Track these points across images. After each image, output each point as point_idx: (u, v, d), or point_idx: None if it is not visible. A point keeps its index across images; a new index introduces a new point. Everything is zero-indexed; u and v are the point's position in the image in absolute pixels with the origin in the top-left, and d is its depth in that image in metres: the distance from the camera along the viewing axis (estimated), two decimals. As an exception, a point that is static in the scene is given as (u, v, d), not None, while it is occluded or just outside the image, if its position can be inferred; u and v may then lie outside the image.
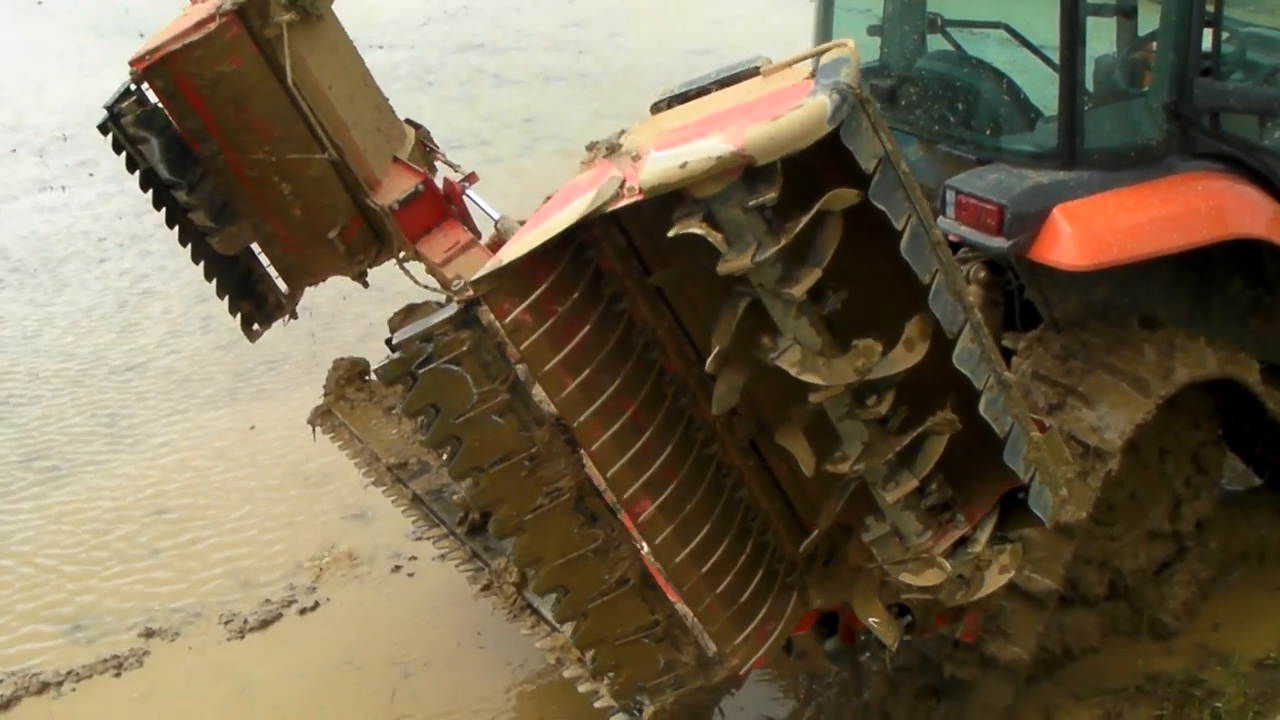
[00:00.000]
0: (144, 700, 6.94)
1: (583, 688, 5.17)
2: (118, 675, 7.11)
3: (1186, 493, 6.74)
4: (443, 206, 7.14)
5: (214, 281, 7.34)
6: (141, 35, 18.76)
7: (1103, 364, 6.17)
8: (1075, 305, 6.33)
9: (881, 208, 3.82)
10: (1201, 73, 6.09)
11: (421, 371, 4.17)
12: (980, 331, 4.23)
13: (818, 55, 4.11)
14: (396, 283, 7.57)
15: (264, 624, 7.42)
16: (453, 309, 4.14)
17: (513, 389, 4.28)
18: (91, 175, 15.00)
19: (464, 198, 7.22)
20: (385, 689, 6.87)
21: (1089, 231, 5.77)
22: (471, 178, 7.28)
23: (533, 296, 4.13)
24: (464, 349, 4.16)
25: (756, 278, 3.97)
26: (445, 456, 4.44)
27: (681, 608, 4.72)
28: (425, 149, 7.34)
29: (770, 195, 3.81)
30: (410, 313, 7.30)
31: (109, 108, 6.93)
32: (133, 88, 6.91)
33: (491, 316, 4.17)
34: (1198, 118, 6.17)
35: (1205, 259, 6.46)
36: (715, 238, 3.89)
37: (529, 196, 11.47)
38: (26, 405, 10.03)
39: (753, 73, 4.39)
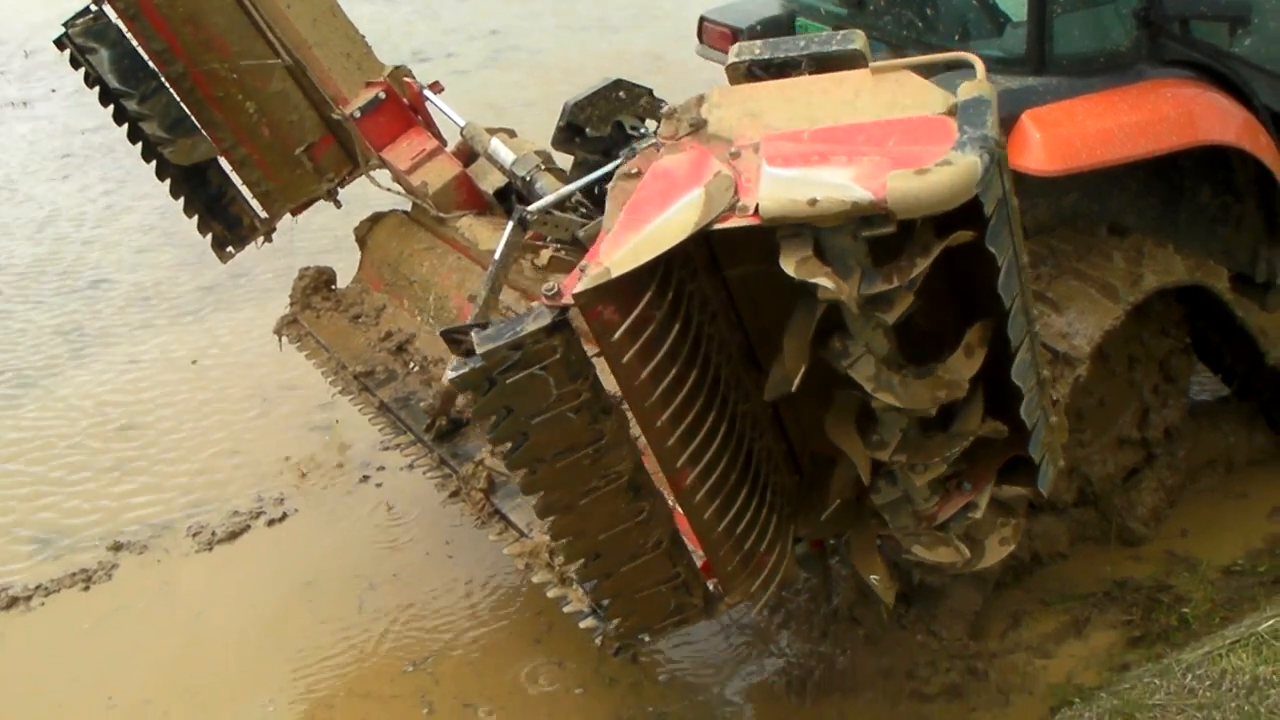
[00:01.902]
0: (113, 615, 6.93)
1: (551, 593, 5.17)
2: (86, 589, 7.11)
3: (1155, 400, 6.74)
4: (406, 115, 7.12)
5: (181, 200, 7.31)
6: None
7: (1071, 270, 6.16)
8: (1044, 212, 6.32)
9: (991, 250, 3.80)
10: (1172, -22, 6.07)
11: (508, 381, 4.03)
12: (1036, 341, 4.25)
13: (945, 66, 4.04)
14: (362, 194, 7.56)
15: (232, 536, 7.42)
16: (542, 315, 3.97)
17: (592, 386, 4.20)
18: (54, 91, 14.91)
19: (427, 105, 7.20)
20: (352, 600, 6.87)
21: (1058, 137, 5.73)
22: (435, 86, 7.24)
23: (622, 295, 3.98)
24: (555, 357, 4.04)
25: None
26: (501, 447, 4.28)
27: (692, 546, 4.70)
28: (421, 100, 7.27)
29: (888, 230, 3.73)
30: (377, 221, 7.29)
31: (66, 25, 6.99)
32: (93, 8, 6.96)
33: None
34: (1167, 24, 6.12)
35: (1174, 167, 6.44)
36: (826, 284, 3.81)
37: (495, 106, 11.48)
38: (-10, 322, 9.98)
39: (855, 59, 4.30)
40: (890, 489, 4.59)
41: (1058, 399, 4.57)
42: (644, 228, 3.89)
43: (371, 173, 7.31)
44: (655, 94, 6.51)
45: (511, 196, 6.79)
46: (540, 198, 6.15)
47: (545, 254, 6.30)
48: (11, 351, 9.54)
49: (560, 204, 6.09)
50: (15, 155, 13.45)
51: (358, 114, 7.01)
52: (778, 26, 7.24)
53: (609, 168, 6.01)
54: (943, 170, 3.59)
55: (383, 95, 7.04)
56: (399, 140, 7.04)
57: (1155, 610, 6.35)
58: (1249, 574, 6.56)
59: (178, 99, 7.23)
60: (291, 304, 7.41)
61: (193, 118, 7.26)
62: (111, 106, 7.21)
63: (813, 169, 3.78)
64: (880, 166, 3.68)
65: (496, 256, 5.87)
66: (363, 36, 7.23)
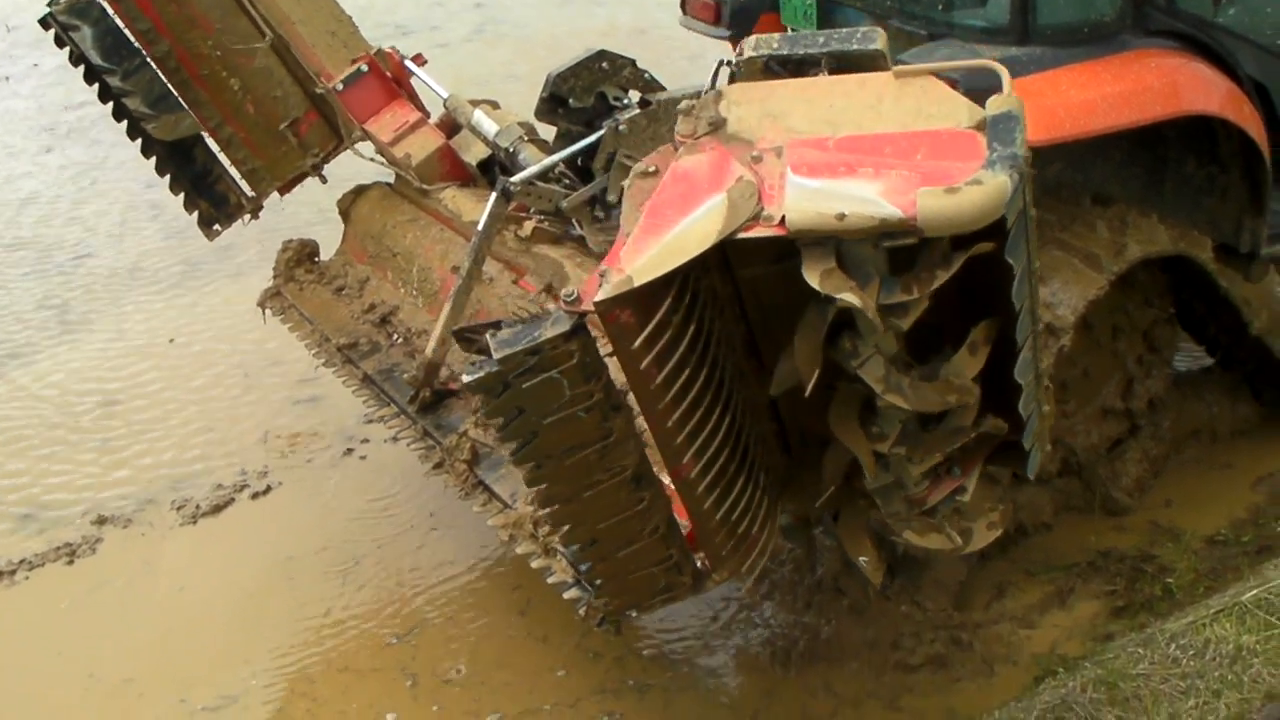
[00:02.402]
0: (97, 590, 6.93)
1: (535, 564, 5.18)
2: (70, 563, 7.11)
3: (1139, 371, 6.75)
4: (390, 88, 7.10)
5: (167, 177, 7.32)
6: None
7: (1055, 240, 6.15)
8: (1029, 183, 6.32)
9: (1009, 260, 3.80)
10: (1156, -52, 6.06)
11: (525, 385, 4.03)
12: (1038, 339, 4.26)
13: (966, 70, 4.02)
14: (344, 167, 7.54)
15: (216, 509, 7.41)
16: (561, 320, 3.97)
17: (605, 386, 4.19)
18: (36, 66, 14.88)
19: (410, 78, 7.20)
20: (335, 574, 6.88)
21: (1042, 107, 5.72)
22: (418, 59, 7.23)
23: (641, 302, 3.96)
24: (572, 361, 4.04)
25: None
26: (508, 445, 4.28)
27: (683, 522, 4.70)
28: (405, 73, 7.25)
29: (909, 241, 3.72)
30: (360, 193, 7.27)
31: (50, 4, 7.05)
32: None
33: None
34: (1152, -6, 6.15)
35: (1159, 137, 6.44)
36: (853, 300, 3.81)
37: (479, 79, 11.46)
38: (-28, 295, 9.96)
39: (875, 59, 4.28)
40: (883, 474, 4.59)
41: (1048, 383, 4.57)
42: (665, 234, 3.87)
43: (355, 145, 7.29)
44: (638, 65, 6.49)
45: (495, 168, 6.79)
46: (523, 169, 6.16)
47: (529, 225, 6.32)
48: (-5, 325, 9.52)
49: (543, 175, 6.11)
50: (-3, 129, 13.44)
51: (340, 87, 6.99)
52: (759, -3, 7.24)
53: (592, 139, 6.02)
54: (973, 190, 3.60)
55: (365, 68, 7.03)
56: (382, 113, 7.03)
57: (1139, 580, 6.36)
58: (1233, 544, 6.57)
59: (161, 77, 7.23)
60: (275, 277, 7.39)
61: (177, 95, 7.26)
62: (96, 85, 7.22)
63: (840, 181, 3.77)
64: (909, 182, 3.69)
65: (480, 228, 5.87)
66: (349, 16, 7.24)
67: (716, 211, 3.83)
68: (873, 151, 3.87)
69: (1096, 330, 6.46)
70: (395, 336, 6.66)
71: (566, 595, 4.99)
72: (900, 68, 4.10)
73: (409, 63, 7.22)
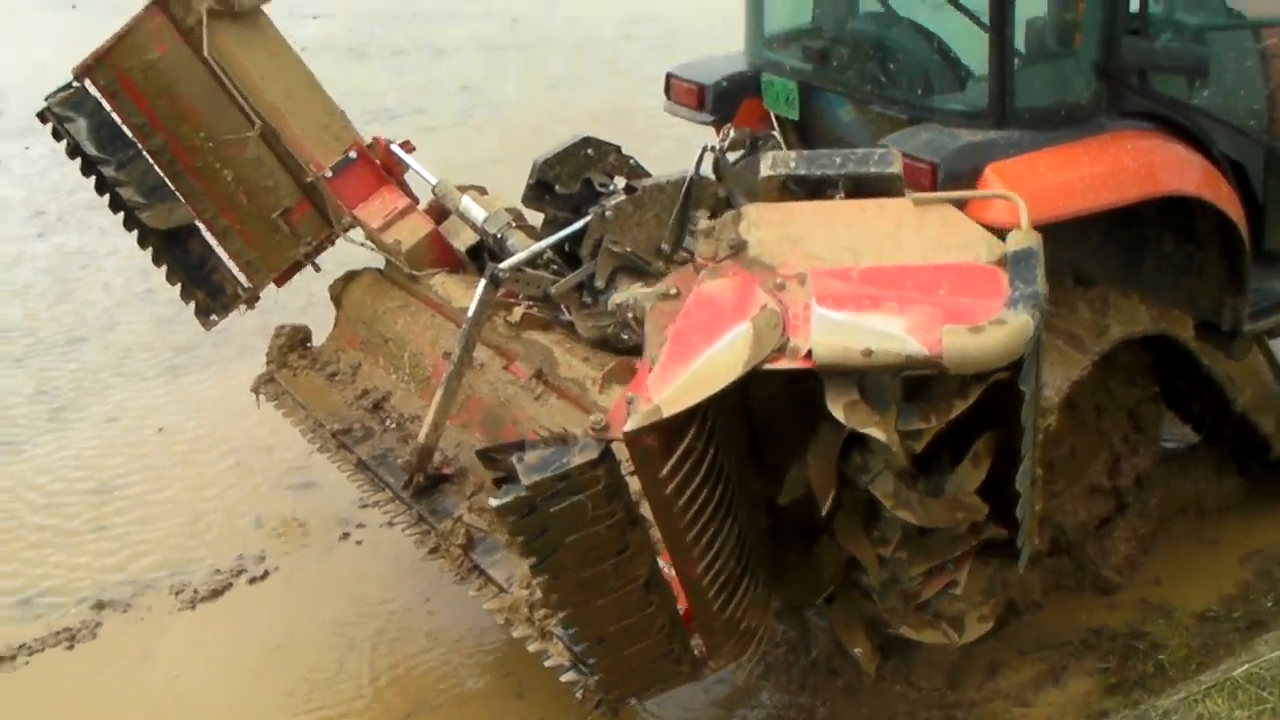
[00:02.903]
0: (97, 675, 6.92)
1: (532, 647, 5.24)
2: (70, 648, 7.09)
3: (1125, 449, 6.81)
4: (378, 174, 7.23)
5: (164, 268, 7.50)
6: (74, 6, 18.78)
7: (1037, 321, 6.23)
8: (1010, 264, 6.40)
9: (1022, 389, 3.95)
10: (1130, 32, 6.13)
11: (552, 509, 4.11)
12: (1037, 450, 4.33)
13: (987, 195, 4.14)
14: (337, 254, 7.63)
15: (214, 594, 7.42)
16: (589, 448, 4.07)
17: (626, 506, 4.27)
18: (28, 149, 14.91)
19: (399, 164, 7.28)
20: (332, 658, 6.88)
21: (1021, 190, 5.75)
22: (406, 145, 7.32)
23: (667, 429, 4.05)
24: (598, 486, 4.12)
25: None
26: (528, 559, 4.35)
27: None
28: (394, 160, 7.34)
29: (929, 371, 3.85)
30: (351, 279, 7.34)
31: (47, 99, 7.24)
32: (74, 84, 7.23)
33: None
34: (1126, 77, 6.22)
35: (1137, 217, 6.52)
36: (879, 435, 3.97)
37: (467, 164, 11.54)
38: (-35, 384, 10.00)
39: (892, 182, 4.36)
40: (883, 573, 4.68)
41: (1039, 475, 4.66)
42: (692, 363, 3.97)
43: (345, 233, 7.37)
44: (623, 150, 6.57)
45: (484, 254, 6.86)
46: (512, 255, 6.23)
47: (518, 311, 6.40)
48: (-13, 413, 9.55)
49: (531, 261, 6.17)
50: (-11, 214, 13.49)
51: (329, 174, 7.09)
52: (743, 82, 7.32)
53: (579, 225, 6.09)
54: (997, 330, 3.75)
55: (354, 155, 7.14)
56: (371, 199, 7.12)
57: (1131, 657, 6.40)
58: (1224, 619, 6.64)
59: (155, 168, 7.38)
60: (269, 363, 7.47)
61: (170, 185, 7.42)
62: (93, 177, 7.38)
63: (865, 315, 3.89)
64: (933, 318, 3.81)
65: (470, 314, 5.94)
66: (338, 108, 7.37)
67: (742, 342, 3.94)
68: (896, 285, 3.99)
69: (1081, 410, 6.52)
70: (388, 422, 6.73)
71: (564, 678, 5.05)
72: (918, 195, 4.22)
73: (397, 149, 7.30)
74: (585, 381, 5.90)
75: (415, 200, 7.24)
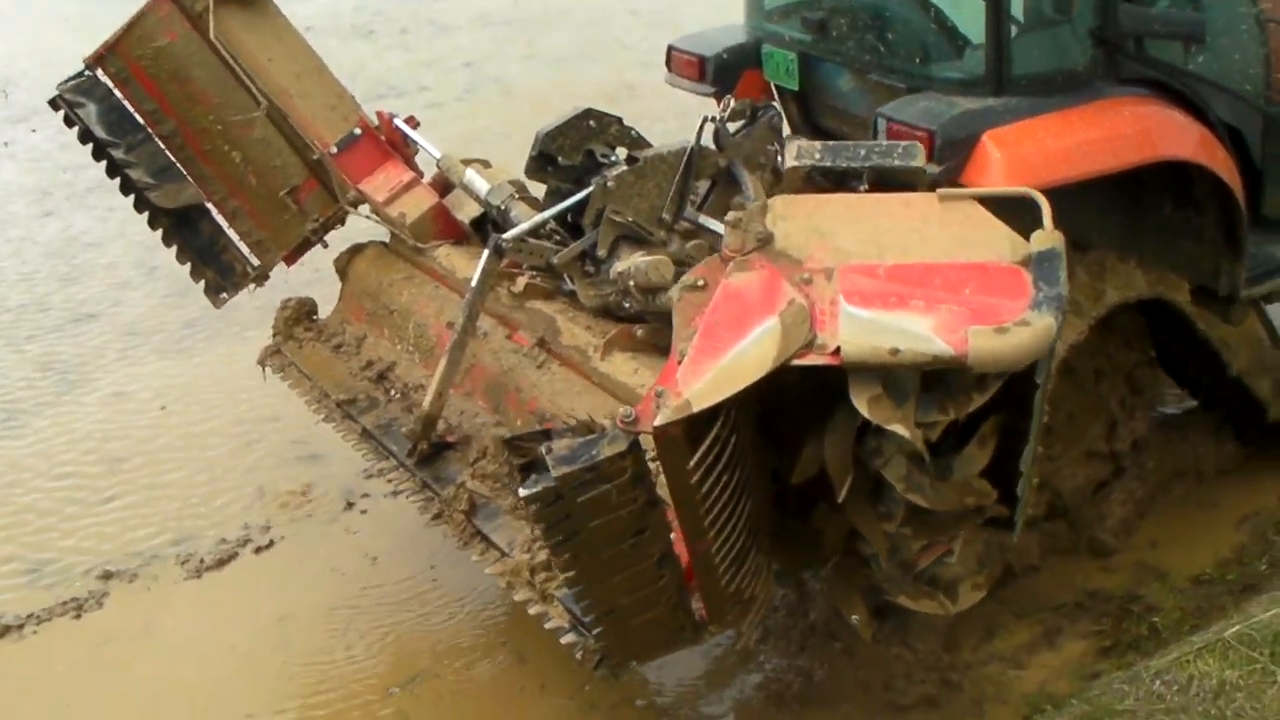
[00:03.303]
0: (104, 645, 7.00)
1: (533, 610, 5.27)
2: (78, 617, 7.17)
3: (1122, 413, 6.86)
4: (383, 149, 7.25)
5: (174, 248, 7.60)
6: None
7: (1035, 286, 6.27)
8: (1008, 229, 6.44)
9: (1037, 381, 4.09)
10: (1125, -1, 6.19)
11: (579, 499, 4.17)
12: (1038, 434, 4.44)
13: (1010, 193, 4.33)
14: (343, 230, 7.69)
15: (220, 563, 7.50)
16: (618, 439, 4.12)
17: (648, 490, 4.33)
18: (34, 130, 14.97)
19: (405, 140, 7.32)
20: (339, 624, 6.98)
21: (1018, 156, 5.85)
22: (411, 121, 7.36)
23: (695, 421, 4.12)
24: (625, 476, 4.18)
25: None
26: (546, 539, 4.42)
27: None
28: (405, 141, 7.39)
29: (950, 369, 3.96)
30: (356, 252, 7.38)
31: (59, 86, 7.36)
32: (86, 73, 7.33)
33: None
34: (1123, 43, 6.26)
35: (1137, 183, 6.56)
36: (902, 431, 4.07)
37: (470, 138, 11.60)
38: (-25, 358, 10.09)
39: (916, 175, 4.41)
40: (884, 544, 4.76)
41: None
42: (721, 357, 4.05)
43: (349, 207, 7.42)
44: (624, 122, 6.61)
45: (488, 225, 6.89)
46: (515, 226, 6.26)
47: (521, 281, 6.43)
48: (-1, 386, 9.65)
49: (534, 231, 6.20)
50: (-3, 193, 13.57)
51: (335, 150, 7.15)
52: (743, 54, 7.37)
53: (581, 195, 6.11)
54: (1022, 331, 3.86)
55: (359, 131, 7.19)
56: (376, 173, 7.16)
57: (1126, 620, 6.47)
58: (1218, 582, 6.69)
59: (165, 150, 7.47)
60: (274, 335, 7.51)
61: (180, 167, 7.49)
62: (104, 162, 7.46)
63: (892, 313, 3.97)
64: (959, 318, 3.90)
65: (473, 284, 5.98)
66: (349, 93, 7.48)
67: (771, 336, 4.02)
68: (923, 283, 4.07)
69: (1079, 374, 6.57)
70: (393, 392, 6.77)
71: (564, 640, 5.08)
72: (944, 190, 4.28)
73: (402, 124, 7.35)
74: (587, 349, 5.94)
75: (420, 174, 7.28)
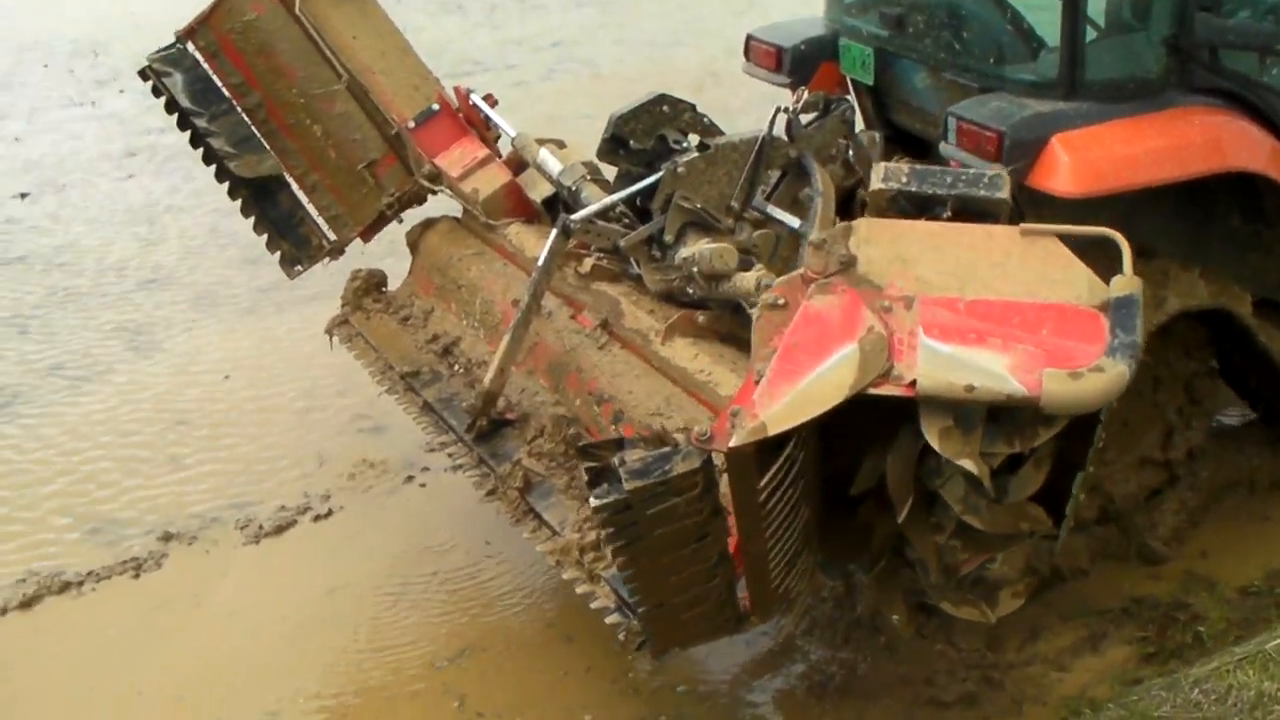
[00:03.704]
0: (160, 605, 7.11)
1: (580, 589, 5.35)
2: (136, 577, 7.29)
3: (1179, 422, 6.84)
4: (460, 125, 7.32)
5: (252, 219, 7.75)
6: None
7: (1097, 292, 6.28)
8: (1074, 234, 6.45)
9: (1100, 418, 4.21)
10: (1202, 8, 6.16)
11: (649, 511, 4.24)
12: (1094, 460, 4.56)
13: (1092, 233, 4.43)
14: (420, 206, 7.76)
15: (279, 529, 7.61)
16: (692, 456, 4.19)
17: (713, 500, 4.38)
18: (122, 91, 15.15)
19: (482, 117, 7.39)
20: (391, 595, 7.06)
21: (1085, 160, 5.87)
22: (489, 99, 7.42)
23: (768, 442, 4.19)
24: (694, 491, 4.24)
25: None
26: (610, 544, 4.48)
27: None
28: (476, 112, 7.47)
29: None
30: (428, 226, 7.45)
31: (149, 58, 7.55)
32: (177, 46, 7.54)
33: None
34: (1197, 52, 6.25)
35: (1207, 193, 6.56)
36: (970, 467, 4.17)
37: (553, 118, 11.68)
38: (53, 316, 10.27)
39: (1000, 207, 4.45)
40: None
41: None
42: (799, 381, 4.11)
43: (424, 181, 7.48)
44: (698, 109, 6.65)
45: (559, 205, 6.94)
46: (585, 207, 6.31)
47: (588, 262, 6.49)
48: (73, 345, 9.77)
49: (603, 214, 6.25)
50: (83, 153, 13.69)
51: (412, 124, 7.24)
52: (821, 46, 7.40)
53: (651, 180, 6.16)
54: (1095, 377, 3.95)
55: (436, 107, 7.27)
56: (451, 148, 7.23)
57: (1171, 628, 6.46)
58: (1266, 595, 6.67)
59: (247, 120, 7.62)
60: (343, 305, 7.60)
61: (262, 139, 7.64)
62: (189, 132, 7.63)
63: (970, 349, 4.05)
64: (1035, 359, 3.97)
65: (540, 263, 6.05)
66: (433, 75, 7.60)
67: (849, 363, 4.08)
68: (1001, 320, 4.13)
69: (1137, 381, 6.55)
70: (456, 366, 6.83)
71: (608, 620, 5.14)
72: (1026, 226, 4.32)
73: (479, 100, 7.41)
74: (649, 333, 5.99)
75: (497, 152, 7.34)
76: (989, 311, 4.18)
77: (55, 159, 13.55)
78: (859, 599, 6.39)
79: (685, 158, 6.10)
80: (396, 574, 7.21)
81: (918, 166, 4.57)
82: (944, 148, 6.21)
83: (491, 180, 7.13)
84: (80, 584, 7.22)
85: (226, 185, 7.71)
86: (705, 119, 6.66)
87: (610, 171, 6.74)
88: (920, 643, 6.27)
